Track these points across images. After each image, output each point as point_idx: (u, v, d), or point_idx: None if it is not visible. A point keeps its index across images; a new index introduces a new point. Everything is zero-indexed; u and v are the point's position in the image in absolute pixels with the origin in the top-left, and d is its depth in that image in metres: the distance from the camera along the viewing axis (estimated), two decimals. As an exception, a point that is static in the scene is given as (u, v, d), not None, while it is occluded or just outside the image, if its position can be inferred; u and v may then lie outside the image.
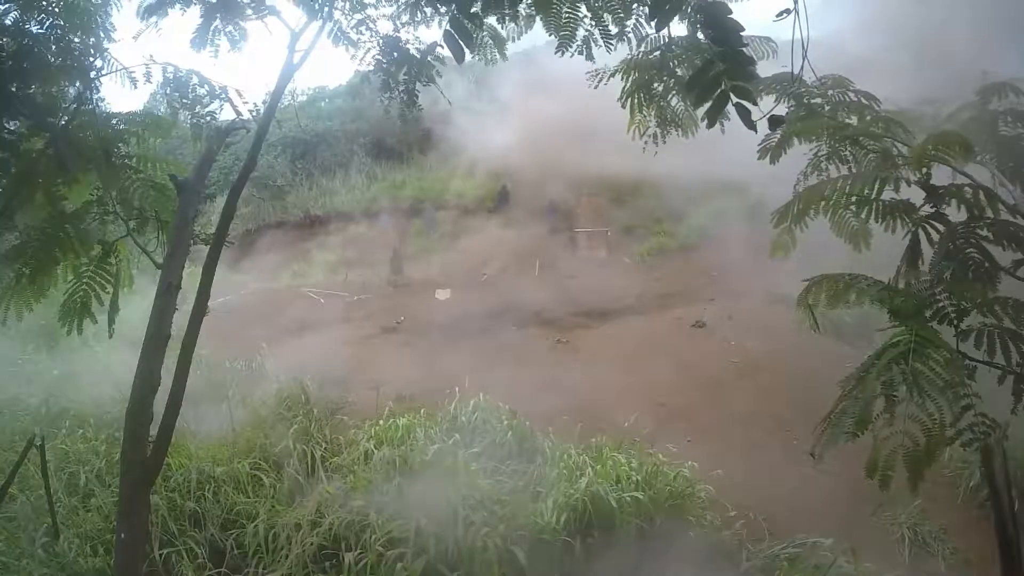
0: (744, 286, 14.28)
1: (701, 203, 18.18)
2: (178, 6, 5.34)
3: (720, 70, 3.07)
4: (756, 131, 3.78)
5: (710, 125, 3.36)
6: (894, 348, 2.94)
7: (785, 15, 3.66)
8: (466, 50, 3.36)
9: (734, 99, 3.04)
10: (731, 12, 3.08)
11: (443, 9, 4.85)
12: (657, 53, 4.73)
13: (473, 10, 3.51)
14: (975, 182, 3.65)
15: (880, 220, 3.54)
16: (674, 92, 4.90)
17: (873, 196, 3.50)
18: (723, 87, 3.05)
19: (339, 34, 5.79)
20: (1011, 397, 3.17)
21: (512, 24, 4.92)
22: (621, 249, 20.21)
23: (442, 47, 3.97)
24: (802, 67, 3.91)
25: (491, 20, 5.16)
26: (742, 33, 3.09)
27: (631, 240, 20.49)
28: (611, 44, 4.60)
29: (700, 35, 4.21)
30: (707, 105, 4.67)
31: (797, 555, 7.08)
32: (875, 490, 3.11)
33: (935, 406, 2.74)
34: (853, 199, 3.49)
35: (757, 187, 12.77)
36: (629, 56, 4.85)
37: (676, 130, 5.11)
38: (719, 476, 8.27)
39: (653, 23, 4.13)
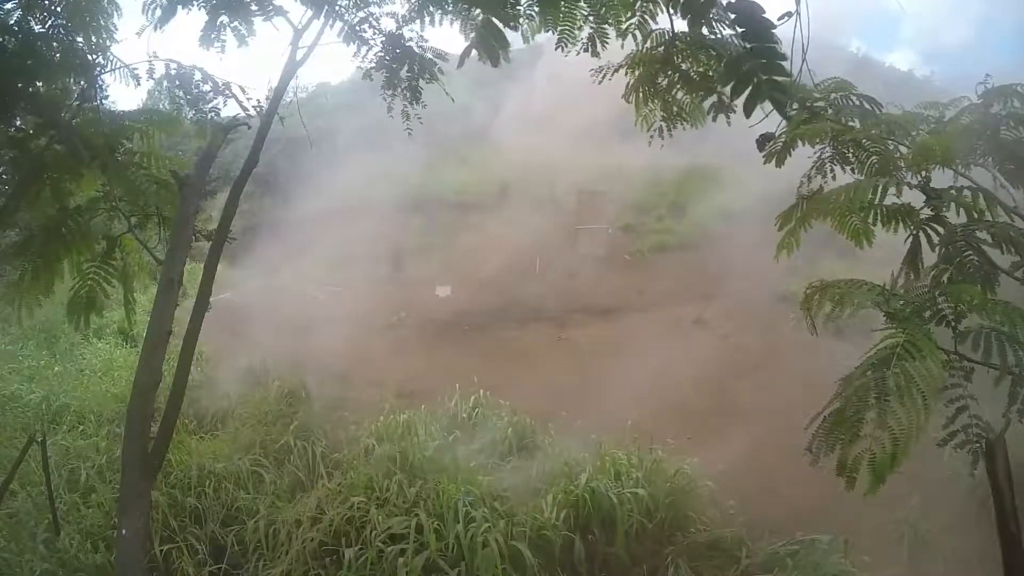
0: (744, 283, 14.28)
1: (701, 199, 18.18)
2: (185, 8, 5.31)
3: (754, 64, 3.29)
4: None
5: (748, 114, 3.57)
6: (882, 352, 2.95)
7: (787, 18, 3.64)
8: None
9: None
10: (764, 11, 3.26)
11: (449, 8, 4.84)
12: (661, 49, 4.71)
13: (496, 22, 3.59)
14: (975, 184, 3.65)
15: (884, 224, 3.57)
16: (679, 86, 4.89)
17: (876, 202, 3.52)
18: (758, 80, 3.28)
19: (344, 31, 5.78)
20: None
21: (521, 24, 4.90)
22: (621, 246, 20.20)
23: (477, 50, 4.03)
24: (800, 71, 3.89)
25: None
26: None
27: (632, 237, 20.50)
28: (617, 40, 4.61)
29: (705, 31, 4.21)
30: (710, 101, 4.81)
31: (797, 552, 7.10)
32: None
33: (905, 414, 2.75)
34: (858, 205, 3.51)
35: (756, 184, 12.77)
36: (632, 52, 4.83)
37: (683, 124, 5.09)
38: (719, 473, 8.28)
39: (680, 20, 4.20)
